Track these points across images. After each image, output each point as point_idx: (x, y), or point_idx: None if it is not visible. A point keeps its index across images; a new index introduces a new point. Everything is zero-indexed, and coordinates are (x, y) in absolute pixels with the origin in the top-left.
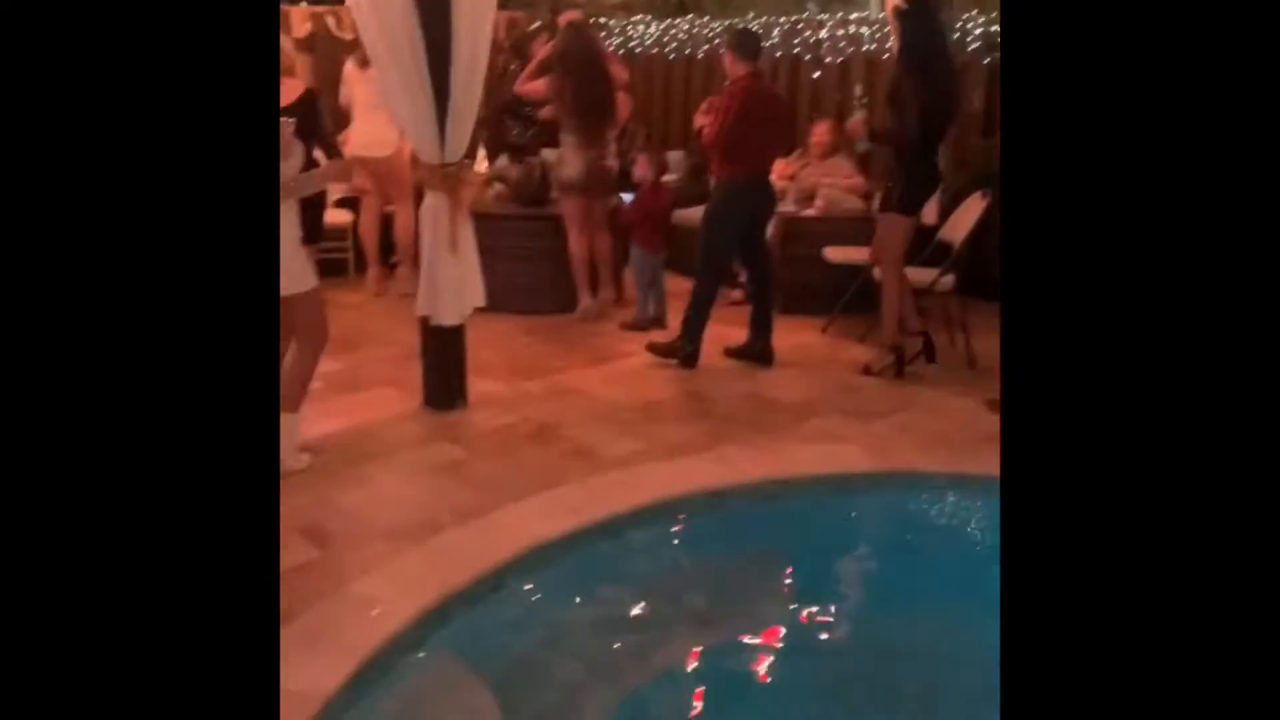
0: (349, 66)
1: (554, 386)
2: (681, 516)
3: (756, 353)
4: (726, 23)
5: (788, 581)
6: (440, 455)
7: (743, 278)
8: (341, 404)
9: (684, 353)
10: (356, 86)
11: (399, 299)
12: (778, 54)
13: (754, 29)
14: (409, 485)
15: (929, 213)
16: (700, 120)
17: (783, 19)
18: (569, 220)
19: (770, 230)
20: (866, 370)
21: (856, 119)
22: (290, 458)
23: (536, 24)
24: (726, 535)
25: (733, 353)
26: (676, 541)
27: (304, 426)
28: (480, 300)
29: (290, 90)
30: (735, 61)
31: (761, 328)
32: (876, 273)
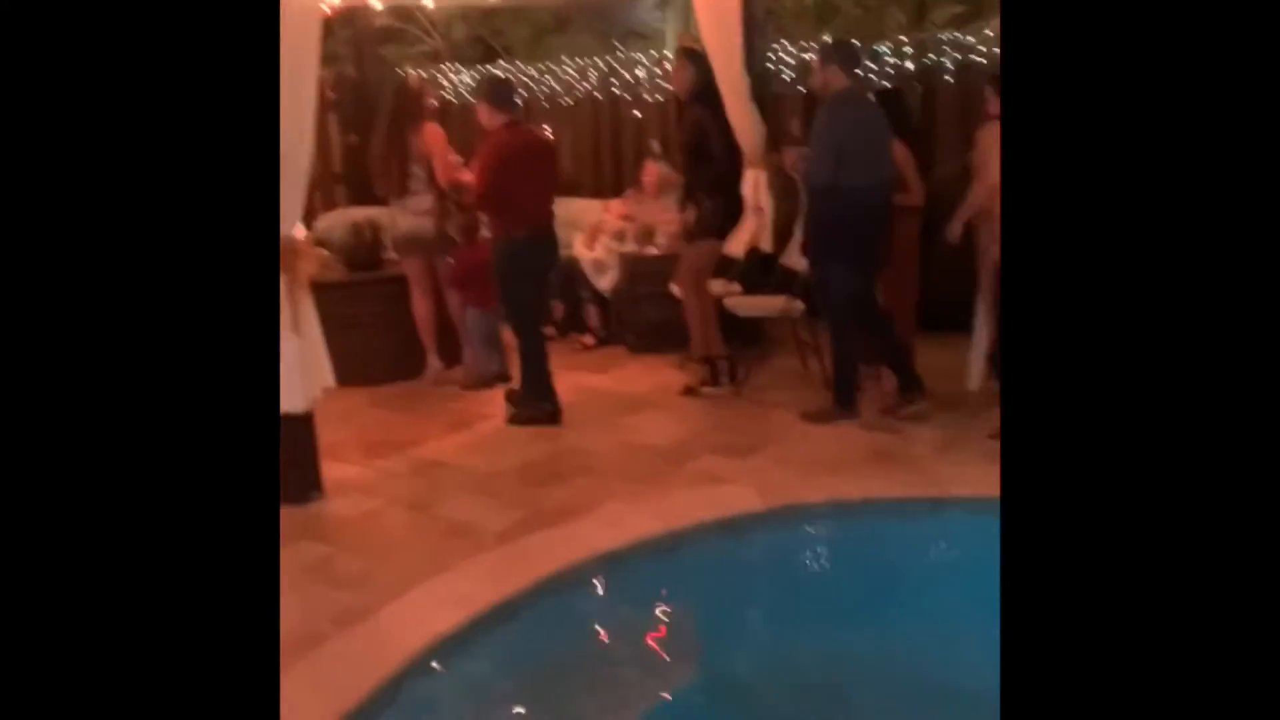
0: None
1: (415, 461)
2: (577, 587)
3: (525, 410)
4: (539, 66)
5: (700, 638)
6: (304, 555)
7: (592, 322)
8: None
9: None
10: None
11: None
12: (597, 95)
13: (506, 76)
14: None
15: (764, 239)
16: (465, 176)
17: (597, 60)
18: (413, 280)
19: (616, 273)
20: (689, 391)
21: (663, 169)
22: None
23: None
24: (628, 600)
25: (510, 397)
26: (577, 615)
27: None
28: (329, 380)
29: None
30: (490, 112)
31: (525, 383)
32: (676, 290)
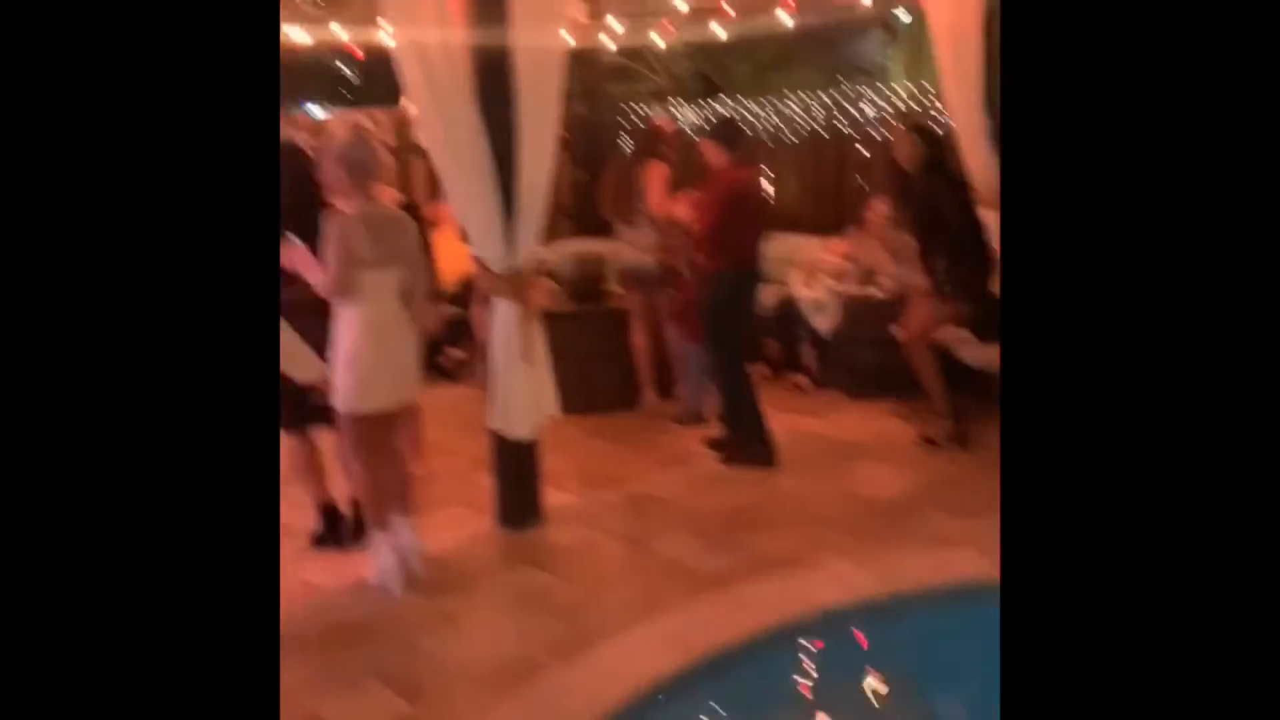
0: None
1: (631, 495)
2: (795, 642)
3: (738, 450)
4: (762, 100)
5: (919, 710)
6: (524, 582)
7: (808, 362)
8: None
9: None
10: None
11: (451, 402)
12: (820, 131)
13: (733, 116)
14: (497, 620)
15: (997, 284)
16: (685, 213)
17: (821, 95)
18: (633, 313)
19: (834, 314)
20: (928, 440)
21: (892, 232)
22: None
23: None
24: (849, 662)
25: (714, 444)
26: (794, 672)
27: (366, 559)
28: (554, 410)
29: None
30: (718, 151)
31: (737, 423)
32: (899, 333)
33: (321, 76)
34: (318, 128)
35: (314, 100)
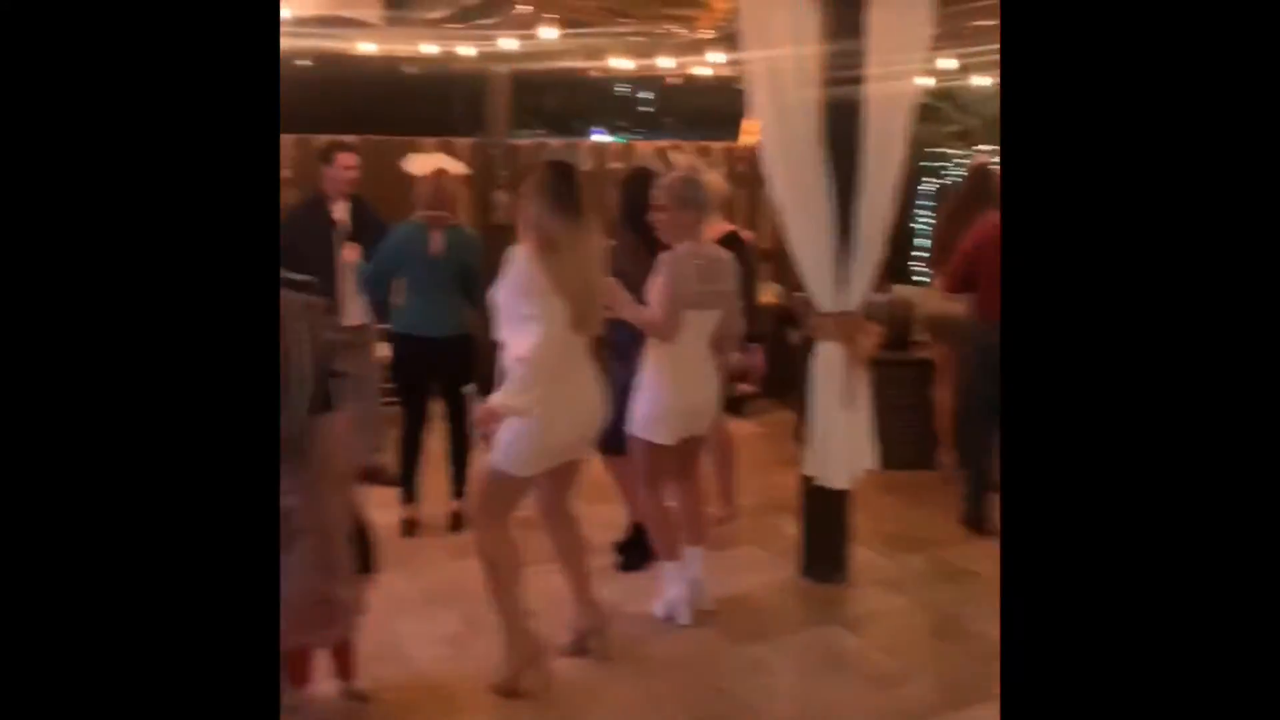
0: None
1: (941, 564)
2: None
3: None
4: None
5: None
6: (832, 642)
7: None
8: (710, 563)
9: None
10: None
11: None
12: None
13: None
14: (808, 678)
15: None
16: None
17: None
18: (939, 366)
19: None
20: None
21: None
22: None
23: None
24: None
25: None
26: None
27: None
28: (871, 461)
29: (714, 231)
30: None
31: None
32: None
33: (613, 102)
34: (619, 153)
35: (604, 126)
